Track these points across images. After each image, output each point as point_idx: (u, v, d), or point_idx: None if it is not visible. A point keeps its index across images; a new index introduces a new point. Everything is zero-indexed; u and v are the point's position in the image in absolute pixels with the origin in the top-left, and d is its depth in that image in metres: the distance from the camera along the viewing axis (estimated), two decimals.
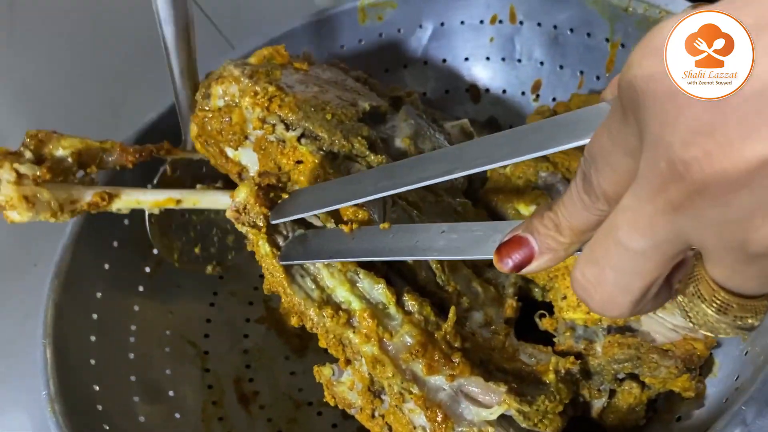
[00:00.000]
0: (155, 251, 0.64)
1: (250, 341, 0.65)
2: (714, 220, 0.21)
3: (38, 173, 0.50)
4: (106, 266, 0.59)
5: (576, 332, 0.50)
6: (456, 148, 0.37)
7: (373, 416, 0.44)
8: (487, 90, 0.73)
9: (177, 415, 0.57)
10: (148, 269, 0.63)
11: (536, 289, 0.53)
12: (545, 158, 0.56)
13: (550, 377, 0.43)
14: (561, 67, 0.69)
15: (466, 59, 0.73)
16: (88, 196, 0.53)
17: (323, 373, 0.46)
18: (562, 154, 0.56)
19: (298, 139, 0.51)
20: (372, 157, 0.51)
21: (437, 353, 0.42)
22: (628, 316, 0.26)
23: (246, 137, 0.54)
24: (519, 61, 0.71)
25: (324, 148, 0.51)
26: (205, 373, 0.61)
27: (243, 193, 0.46)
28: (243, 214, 0.46)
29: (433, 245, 0.38)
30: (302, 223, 0.48)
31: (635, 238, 0.23)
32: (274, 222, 0.46)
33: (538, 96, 0.71)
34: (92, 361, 0.54)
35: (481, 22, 0.70)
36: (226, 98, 0.54)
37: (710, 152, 0.20)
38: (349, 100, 0.55)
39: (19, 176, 0.49)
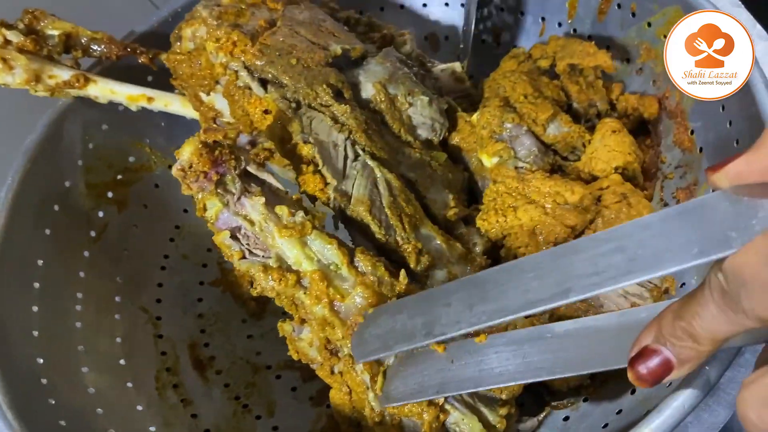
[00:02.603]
0: (100, 214, 0.61)
1: (205, 305, 0.62)
2: None
3: (22, 41, 0.53)
4: (47, 231, 0.56)
5: None
6: (557, 261, 0.31)
7: (332, 373, 0.44)
8: (447, 38, 0.70)
9: (129, 384, 0.54)
10: (93, 233, 0.60)
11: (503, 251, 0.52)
12: (512, 108, 0.54)
13: None
14: (522, 13, 0.66)
15: (424, 5, 0.70)
16: (66, 75, 0.56)
17: (284, 328, 0.45)
18: (529, 105, 0.54)
19: (264, 86, 0.49)
20: (336, 107, 0.49)
21: None
22: None
23: (217, 82, 0.51)
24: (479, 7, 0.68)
25: (288, 96, 0.49)
26: (158, 339, 0.59)
27: (187, 152, 0.44)
28: (188, 172, 0.44)
29: (544, 359, 0.35)
30: (254, 179, 0.46)
31: None
32: (361, 361, 0.41)
33: (499, 44, 0.69)
34: (35, 333, 0.51)
35: None
36: (195, 41, 0.52)
37: None
38: (320, 43, 0.52)
39: (6, 41, 0.53)
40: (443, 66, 0.61)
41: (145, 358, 0.57)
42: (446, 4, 0.69)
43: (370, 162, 0.48)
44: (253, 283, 0.45)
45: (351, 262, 0.43)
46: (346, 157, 0.48)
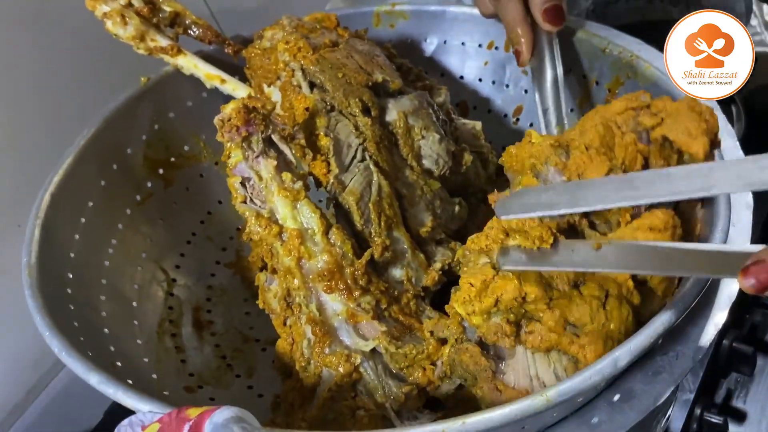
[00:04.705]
0: (149, 184, 0.70)
1: (216, 280, 0.70)
2: None
3: (141, 7, 0.66)
4: (103, 183, 0.65)
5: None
6: (705, 168, 0.37)
7: (284, 323, 0.51)
8: (475, 107, 0.80)
9: (135, 322, 0.62)
10: (138, 197, 0.69)
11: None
12: (563, 150, 0.50)
13: (426, 334, 0.49)
14: (584, 77, 0.74)
15: (461, 77, 0.81)
16: (164, 43, 0.67)
17: (260, 278, 0.53)
18: (580, 153, 0.48)
19: (311, 88, 0.60)
20: (360, 118, 0.58)
21: (341, 283, 0.49)
22: None
23: (278, 78, 0.62)
24: (506, 86, 0.79)
25: (327, 100, 0.59)
26: (169, 296, 0.67)
27: (230, 108, 0.53)
28: (226, 124, 0.53)
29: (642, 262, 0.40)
30: (274, 146, 0.55)
31: None
32: (502, 218, 0.46)
33: (518, 119, 0.79)
34: (71, 254, 0.59)
35: (480, 45, 0.78)
36: (272, 41, 0.64)
37: None
38: (367, 69, 0.63)
39: (129, 3, 0.65)
40: (466, 121, 0.71)
41: (154, 307, 0.65)
42: (480, 80, 0.80)
43: (372, 167, 0.57)
44: (246, 227, 0.53)
45: (326, 233, 0.52)
46: (354, 157, 0.57)
